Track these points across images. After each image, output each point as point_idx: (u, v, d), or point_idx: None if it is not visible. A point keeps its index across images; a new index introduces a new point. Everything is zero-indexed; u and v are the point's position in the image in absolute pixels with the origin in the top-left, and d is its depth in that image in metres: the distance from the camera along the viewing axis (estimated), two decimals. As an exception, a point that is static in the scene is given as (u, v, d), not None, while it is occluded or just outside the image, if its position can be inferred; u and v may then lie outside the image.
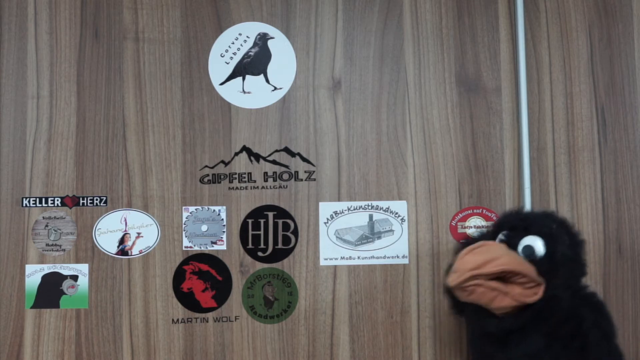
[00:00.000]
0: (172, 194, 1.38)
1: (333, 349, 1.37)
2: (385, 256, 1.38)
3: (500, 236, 1.17)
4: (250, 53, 1.41)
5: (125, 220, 1.38)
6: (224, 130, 1.40)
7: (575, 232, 1.18)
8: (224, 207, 1.39)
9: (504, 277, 1.09)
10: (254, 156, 1.40)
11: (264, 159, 1.40)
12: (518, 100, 1.39)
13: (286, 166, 1.39)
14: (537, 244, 1.12)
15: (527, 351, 1.11)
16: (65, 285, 1.37)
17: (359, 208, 1.39)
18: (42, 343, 1.36)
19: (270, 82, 1.41)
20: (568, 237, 1.15)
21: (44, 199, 1.37)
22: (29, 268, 1.36)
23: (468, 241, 1.29)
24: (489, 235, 1.23)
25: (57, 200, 1.38)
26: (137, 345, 1.36)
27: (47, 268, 1.37)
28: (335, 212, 1.39)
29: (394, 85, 1.41)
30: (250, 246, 1.38)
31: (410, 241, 1.39)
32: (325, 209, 1.39)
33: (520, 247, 1.13)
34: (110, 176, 1.38)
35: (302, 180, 1.39)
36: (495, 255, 1.08)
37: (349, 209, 1.39)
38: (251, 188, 1.39)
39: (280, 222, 1.39)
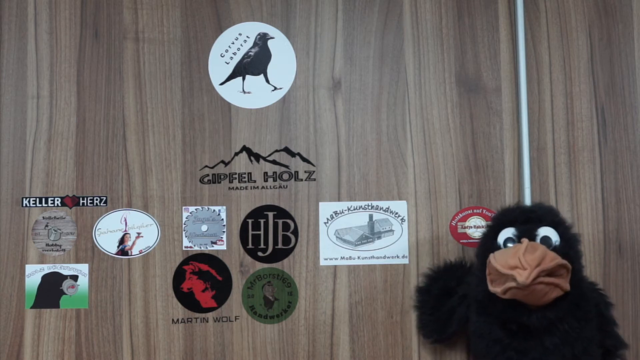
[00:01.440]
0: (172, 194, 1.38)
1: (333, 349, 1.37)
2: (385, 256, 1.38)
3: (513, 231, 1.18)
4: (250, 53, 1.41)
5: (125, 220, 1.38)
6: (224, 130, 1.40)
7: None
8: (224, 207, 1.39)
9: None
10: (254, 156, 1.40)
11: (264, 159, 1.40)
12: (518, 100, 1.39)
13: (286, 166, 1.39)
14: (553, 234, 1.17)
15: (565, 338, 1.14)
16: (65, 285, 1.37)
17: (359, 208, 1.39)
18: (42, 343, 1.36)
19: (270, 82, 1.41)
20: (567, 223, 1.22)
21: (44, 199, 1.37)
22: (29, 268, 1.37)
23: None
24: (489, 233, 1.23)
25: (57, 200, 1.38)
26: (137, 345, 1.36)
27: (47, 268, 1.37)
28: (335, 212, 1.39)
29: (394, 85, 1.41)
30: (250, 246, 1.38)
31: (410, 241, 1.39)
32: (325, 209, 1.39)
33: (538, 239, 1.17)
34: (110, 176, 1.38)
35: (302, 180, 1.39)
36: (545, 251, 1.11)
37: (349, 209, 1.39)
38: (251, 188, 1.39)
39: (280, 222, 1.39)
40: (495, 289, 1.13)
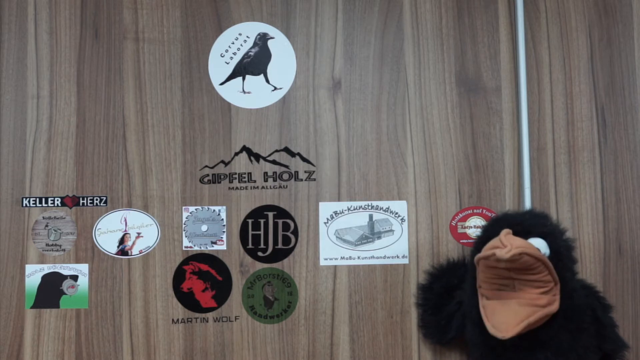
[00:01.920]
0: (172, 194, 1.38)
1: (333, 349, 1.37)
2: (385, 256, 1.38)
3: None
4: (250, 53, 1.41)
5: (125, 220, 1.38)
6: (224, 130, 1.40)
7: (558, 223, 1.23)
8: (224, 207, 1.39)
9: (527, 279, 1.10)
10: (254, 156, 1.40)
11: (264, 159, 1.40)
12: (518, 100, 1.39)
13: (286, 166, 1.39)
14: (542, 245, 1.14)
15: (557, 351, 1.14)
16: (65, 285, 1.37)
17: (359, 208, 1.39)
18: (42, 343, 1.36)
19: (270, 82, 1.41)
20: (559, 229, 1.19)
21: (44, 199, 1.37)
22: (29, 268, 1.37)
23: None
24: (479, 245, 1.22)
25: (57, 200, 1.38)
26: (137, 345, 1.36)
27: (47, 268, 1.37)
28: (335, 212, 1.39)
29: (394, 85, 1.41)
30: (250, 246, 1.38)
31: (410, 241, 1.39)
32: (325, 209, 1.39)
33: None
34: (110, 176, 1.38)
35: (302, 180, 1.39)
36: (530, 243, 1.10)
37: (349, 209, 1.39)
38: (251, 188, 1.39)
39: (280, 222, 1.39)
40: (486, 321, 1.12)
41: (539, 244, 1.14)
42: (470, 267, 1.22)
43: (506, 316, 1.10)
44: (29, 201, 1.37)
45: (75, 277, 1.37)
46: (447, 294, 1.31)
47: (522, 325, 1.07)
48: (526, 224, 1.17)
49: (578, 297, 1.17)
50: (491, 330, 1.11)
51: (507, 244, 1.06)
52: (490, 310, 1.13)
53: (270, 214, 1.39)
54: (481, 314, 1.15)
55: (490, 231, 1.20)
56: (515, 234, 1.16)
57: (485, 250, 1.09)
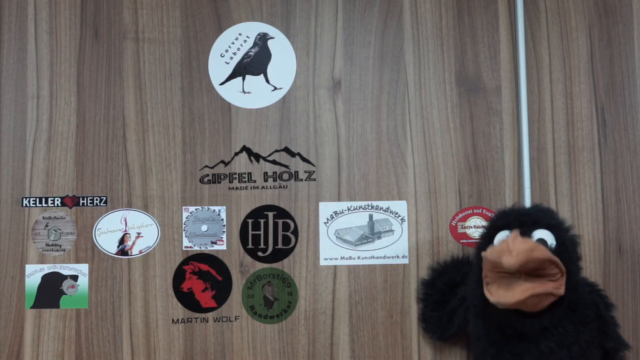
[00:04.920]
0: (172, 194, 1.38)
1: (333, 349, 1.37)
2: (385, 256, 1.38)
3: (508, 234, 1.18)
4: (250, 53, 1.41)
5: (125, 220, 1.38)
6: (224, 130, 1.40)
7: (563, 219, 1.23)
8: (224, 207, 1.39)
9: (534, 273, 1.10)
10: (254, 156, 1.40)
11: (264, 159, 1.40)
12: (518, 100, 1.39)
13: (286, 166, 1.39)
14: (549, 236, 1.15)
15: (561, 342, 1.14)
16: (65, 285, 1.37)
17: (359, 208, 1.39)
18: (42, 343, 1.36)
19: (270, 82, 1.41)
20: (565, 225, 1.20)
21: (44, 199, 1.38)
22: (29, 268, 1.37)
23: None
24: (485, 236, 1.22)
25: (57, 200, 1.38)
26: (137, 345, 1.36)
27: (47, 268, 1.37)
28: (335, 212, 1.39)
29: (394, 85, 1.41)
30: (250, 246, 1.38)
31: (410, 241, 1.39)
32: (325, 209, 1.39)
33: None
34: (110, 176, 1.38)
35: (302, 180, 1.39)
36: (537, 245, 1.09)
37: (349, 209, 1.39)
38: (251, 188, 1.39)
39: (280, 222, 1.39)
40: (489, 296, 1.12)
41: (546, 235, 1.15)
42: (476, 258, 1.22)
43: (512, 289, 1.09)
44: (29, 201, 1.37)
45: (75, 277, 1.37)
46: (449, 291, 1.31)
47: (527, 294, 1.07)
48: (534, 215, 1.18)
49: (582, 291, 1.18)
50: (496, 298, 1.10)
51: (513, 250, 1.06)
52: (495, 288, 1.12)
53: (270, 214, 1.39)
54: (484, 296, 1.14)
55: (497, 222, 1.21)
56: (523, 224, 1.17)
57: (493, 254, 1.09)
